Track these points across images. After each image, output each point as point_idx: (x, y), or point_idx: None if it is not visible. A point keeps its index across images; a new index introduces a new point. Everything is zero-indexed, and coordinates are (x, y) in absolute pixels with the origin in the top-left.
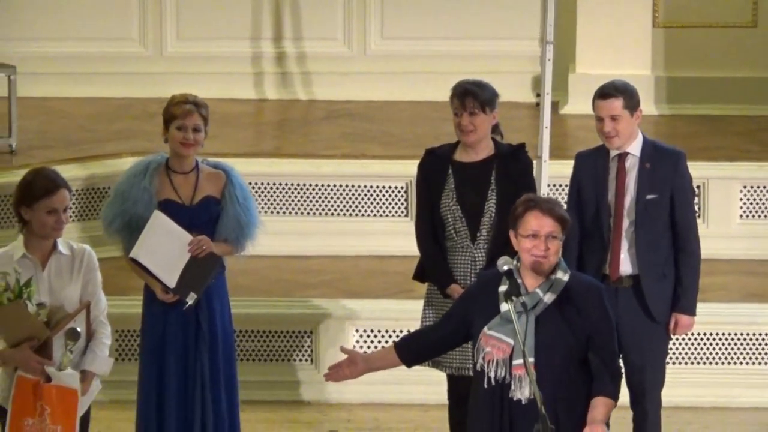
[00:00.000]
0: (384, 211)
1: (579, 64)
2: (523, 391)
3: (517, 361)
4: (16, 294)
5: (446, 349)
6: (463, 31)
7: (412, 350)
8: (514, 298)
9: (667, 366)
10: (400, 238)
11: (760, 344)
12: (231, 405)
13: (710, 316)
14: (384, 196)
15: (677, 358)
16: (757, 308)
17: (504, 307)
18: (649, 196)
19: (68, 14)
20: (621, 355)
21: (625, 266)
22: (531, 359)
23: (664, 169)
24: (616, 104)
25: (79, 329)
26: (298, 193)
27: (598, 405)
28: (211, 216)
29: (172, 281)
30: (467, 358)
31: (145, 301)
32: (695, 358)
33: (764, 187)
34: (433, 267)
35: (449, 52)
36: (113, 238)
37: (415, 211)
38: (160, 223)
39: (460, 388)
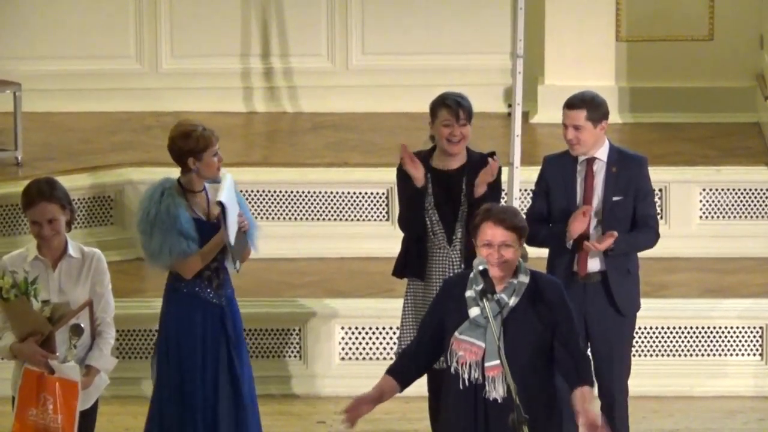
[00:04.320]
0: (366, 216)
1: (547, 76)
2: (497, 390)
3: (490, 363)
4: (22, 291)
5: (430, 359)
6: (439, 46)
7: (403, 372)
8: (489, 296)
9: (633, 358)
10: (381, 241)
11: (717, 337)
12: (251, 396)
13: (672, 311)
14: (366, 201)
15: (642, 350)
16: (715, 303)
17: (473, 312)
18: (615, 198)
19: (70, 34)
20: (589, 346)
21: (593, 263)
22: (500, 360)
23: (629, 173)
24: (579, 115)
25: (83, 325)
26: (286, 199)
27: (584, 393)
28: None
29: (232, 240)
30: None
31: (168, 299)
32: (659, 351)
33: (722, 189)
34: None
35: (426, 66)
36: (162, 266)
37: (399, 204)
38: (233, 188)
39: (439, 381)
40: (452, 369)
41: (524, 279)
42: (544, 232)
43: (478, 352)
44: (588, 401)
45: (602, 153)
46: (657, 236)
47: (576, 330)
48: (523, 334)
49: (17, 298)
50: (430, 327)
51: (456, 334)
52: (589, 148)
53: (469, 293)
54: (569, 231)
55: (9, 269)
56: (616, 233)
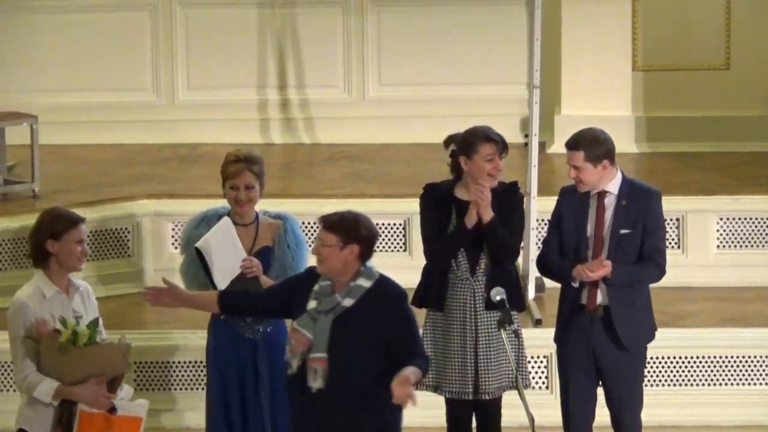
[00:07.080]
0: (383, 247)
1: (564, 107)
2: (317, 381)
3: (315, 354)
4: (91, 335)
5: (263, 313)
6: (456, 77)
7: (232, 301)
8: (506, 326)
9: (651, 388)
10: (398, 272)
11: (736, 366)
12: None
13: (690, 340)
14: (383, 232)
15: (660, 380)
16: (733, 332)
17: (310, 305)
18: (623, 231)
19: (86, 66)
20: (600, 381)
21: (601, 296)
22: (324, 354)
23: (638, 205)
24: (578, 156)
25: None
26: (303, 230)
27: (407, 368)
28: (268, 264)
29: (221, 285)
30: (466, 382)
31: (210, 328)
32: (677, 380)
33: (739, 218)
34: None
35: (443, 97)
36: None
37: (426, 234)
38: (227, 231)
39: (459, 412)
40: (285, 356)
41: (364, 283)
42: (555, 267)
43: (305, 343)
44: (402, 382)
45: (613, 186)
46: (662, 272)
47: (414, 333)
48: (353, 333)
49: (102, 342)
50: (279, 294)
51: (294, 323)
52: (594, 185)
53: (316, 287)
54: (576, 271)
55: (31, 307)
56: (609, 262)
